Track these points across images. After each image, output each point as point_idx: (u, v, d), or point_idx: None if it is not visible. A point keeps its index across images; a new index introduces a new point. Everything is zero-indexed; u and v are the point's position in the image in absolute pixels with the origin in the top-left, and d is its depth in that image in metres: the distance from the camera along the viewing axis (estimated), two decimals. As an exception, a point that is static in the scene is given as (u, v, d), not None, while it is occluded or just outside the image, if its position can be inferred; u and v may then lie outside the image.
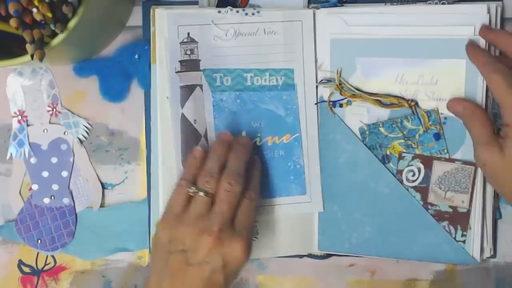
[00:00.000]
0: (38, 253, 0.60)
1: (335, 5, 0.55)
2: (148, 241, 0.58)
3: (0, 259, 0.60)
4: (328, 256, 0.58)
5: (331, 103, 0.55)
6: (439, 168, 0.51)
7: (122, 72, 0.57)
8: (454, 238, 0.53)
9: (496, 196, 0.56)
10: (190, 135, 0.55)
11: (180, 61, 0.54)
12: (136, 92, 0.58)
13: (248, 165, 0.51)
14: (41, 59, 0.44)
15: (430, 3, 0.55)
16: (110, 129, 0.59)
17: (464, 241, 0.53)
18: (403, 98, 0.54)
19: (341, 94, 0.55)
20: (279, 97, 0.56)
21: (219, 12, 0.54)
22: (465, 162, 0.51)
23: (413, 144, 0.53)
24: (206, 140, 0.55)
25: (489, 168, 0.49)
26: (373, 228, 0.56)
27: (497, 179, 0.50)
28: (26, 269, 0.60)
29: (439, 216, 0.53)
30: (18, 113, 0.58)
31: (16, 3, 0.42)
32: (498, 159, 0.48)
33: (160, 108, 0.55)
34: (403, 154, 0.50)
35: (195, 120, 0.55)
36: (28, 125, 0.58)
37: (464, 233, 0.53)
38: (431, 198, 0.53)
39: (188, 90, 0.55)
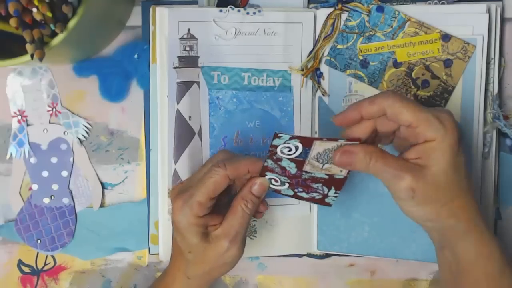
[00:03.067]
0: (38, 253, 0.60)
1: (335, 6, 0.55)
2: (147, 241, 0.58)
3: (0, 259, 0.60)
4: (327, 255, 0.58)
5: (312, 75, 0.56)
6: (319, 147, 0.44)
7: (122, 72, 0.57)
8: (327, 194, 0.48)
9: (496, 196, 0.56)
10: (184, 132, 0.55)
11: (179, 57, 0.54)
12: (136, 92, 0.58)
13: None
14: (41, 59, 0.44)
15: (430, 3, 0.55)
16: (110, 129, 0.59)
17: (336, 197, 0.48)
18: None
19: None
20: (275, 99, 0.56)
21: (221, 11, 0.54)
22: (349, 139, 0.44)
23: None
24: (199, 138, 0.55)
25: (420, 192, 0.43)
26: (372, 228, 0.56)
27: (431, 198, 0.43)
28: (26, 269, 0.60)
29: (313, 180, 0.47)
30: (18, 113, 0.58)
31: (16, 3, 0.42)
32: (427, 180, 0.42)
33: (160, 108, 0.55)
34: (280, 135, 0.43)
35: (190, 117, 0.55)
36: (28, 125, 0.58)
37: (337, 192, 0.48)
38: (306, 168, 0.46)
39: (184, 86, 0.55)
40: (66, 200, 0.59)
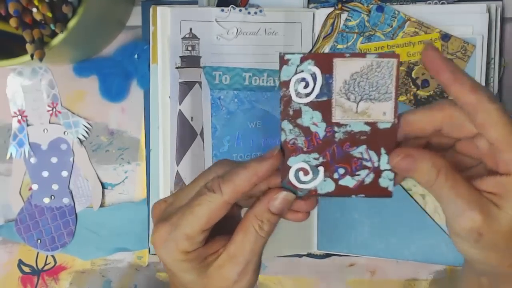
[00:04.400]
0: (38, 253, 0.60)
1: (334, 5, 0.55)
2: (147, 241, 0.58)
3: (0, 259, 0.60)
4: (327, 255, 0.58)
5: None
6: (343, 70, 0.33)
7: (122, 72, 0.57)
8: (378, 167, 0.35)
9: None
10: (186, 133, 0.55)
11: (181, 57, 0.54)
12: (136, 92, 0.58)
13: None
14: (41, 59, 0.44)
15: (430, 3, 0.55)
16: (110, 129, 0.59)
17: (391, 169, 0.35)
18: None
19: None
20: (275, 98, 0.56)
21: (222, 10, 0.54)
22: (382, 55, 0.33)
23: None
24: (201, 139, 0.55)
25: (488, 238, 0.33)
26: (372, 228, 0.56)
27: (499, 247, 0.34)
28: (26, 269, 0.60)
29: (351, 140, 0.35)
30: (18, 113, 0.58)
31: (16, 3, 0.42)
32: (501, 226, 0.33)
33: (162, 108, 0.55)
34: (287, 57, 0.33)
35: (192, 118, 0.55)
36: (28, 125, 0.58)
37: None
38: (337, 116, 0.34)
39: (187, 87, 0.55)
40: (66, 200, 0.59)
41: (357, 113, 0.34)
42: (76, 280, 0.60)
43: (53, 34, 0.45)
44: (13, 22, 0.43)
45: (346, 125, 0.34)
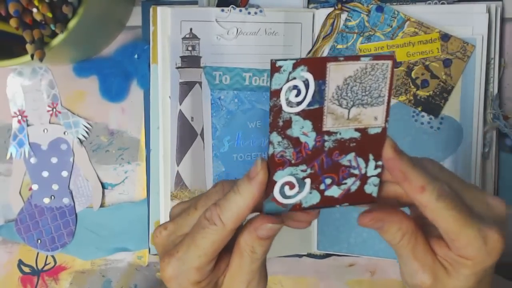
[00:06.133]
0: (38, 253, 0.60)
1: (334, 5, 0.55)
2: (147, 241, 0.58)
3: (0, 259, 0.60)
4: (327, 255, 0.58)
5: None
6: (337, 74, 0.31)
7: (122, 72, 0.57)
8: (365, 174, 0.34)
9: (496, 193, 0.56)
10: (187, 133, 0.55)
11: (181, 57, 0.54)
12: (136, 92, 0.58)
13: None
14: (41, 59, 0.44)
15: (430, 3, 0.55)
16: (110, 129, 0.59)
17: (378, 175, 0.34)
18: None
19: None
20: None
21: (222, 10, 0.54)
22: (376, 57, 0.31)
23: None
24: (202, 139, 0.55)
25: None
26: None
27: None
28: (26, 269, 0.60)
29: (340, 149, 0.33)
30: (18, 113, 0.58)
31: (16, 3, 0.42)
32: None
33: (162, 108, 0.55)
34: (279, 64, 0.30)
35: (192, 118, 0.55)
36: (28, 125, 0.58)
37: (379, 163, 0.34)
38: (327, 124, 0.32)
39: (187, 87, 0.55)
40: (66, 200, 0.59)
41: (348, 120, 0.33)
42: (76, 280, 0.60)
43: (53, 35, 0.45)
44: (13, 22, 0.43)
45: (336, 132, 0.33)
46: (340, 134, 0.33)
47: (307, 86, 0.31)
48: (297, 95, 0.31)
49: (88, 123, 0.58)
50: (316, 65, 0.31)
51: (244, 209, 0.34)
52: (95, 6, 0.47)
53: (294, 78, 0.31)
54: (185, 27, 0.54)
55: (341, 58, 0.31)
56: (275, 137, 0.32)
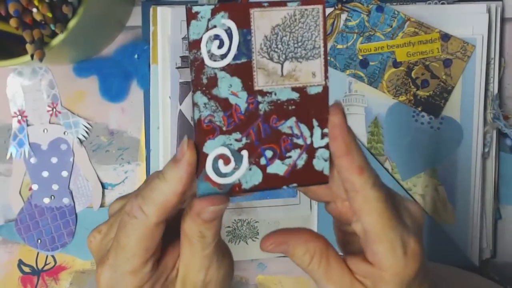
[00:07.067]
0: (38, 253, 0.60)
1: (334, 5, 0.55)
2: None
3: (0, 259, 0.60)
4: (328, 256, 0.58)
5: None
6: (263, 23, 0.28)
7: (122, 72, 0.57)
8: (311, 145, 0.30)
9: (496, 196, 0.56)
10: (187, 133, 0.55)
11: (181, 57, 0.54)
12: (136, 92, 0.58)
13: None
14: (41, 59, 0.44)
15: (430, 3, 0.55)
16: (110, 129, 0.59)
17: (326, 146, 0.30)
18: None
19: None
20: None
21: None
22: (305, 2, 0.28)
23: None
24: None
25: None
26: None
27: None
28: (26, 269, 0.60)
29: (278, 112, 0.29)
30: (18, 113, 0.58)
31: (16, 3, 0.42)
32: None
33: (162, 108, 0.55)
34: (196, 10, 0.27)
35: (192, 118, 0.55)
36: (28, 125, 0.58)
37: (325, 130, 0.30)
38: (259, 82, 0.29)
39: (187, 87, 0.55)
40: (66, 200, 0.59)
41: (282, 77, 0.29)
42: (76, 280, 0.60)
43: (53, 34, 0.45)
44: (13, 22, 0.43)
45: (271, 93, 0.29)
46: (275, 94, 0.29)
47: (230, 36, 0.28)
48: (220, 47, 0.28)
49: (88, 123, 0.58)
50: (238, 12, 0.28)
51: (171, 197, 0.29)
52: (95, 6, 0.47)
53: (215, 27, 0.27)
54: (185, 27, 0.54)
55: (266, 4, 0.28)
56: (200, 98, 0.28)
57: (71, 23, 0.45)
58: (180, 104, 0.55)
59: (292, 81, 0.29)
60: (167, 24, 0.54)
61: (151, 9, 0.55)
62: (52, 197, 0.59)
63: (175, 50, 0.54)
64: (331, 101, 0.30)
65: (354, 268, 0.32)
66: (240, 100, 0.29)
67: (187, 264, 0.31)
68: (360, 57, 0.55)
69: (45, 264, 0.60)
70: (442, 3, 0.54)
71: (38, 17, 0.43)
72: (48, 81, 0.58)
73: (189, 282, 0.32)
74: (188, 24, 0.27)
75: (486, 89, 0.54)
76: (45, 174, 0.58)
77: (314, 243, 0.32)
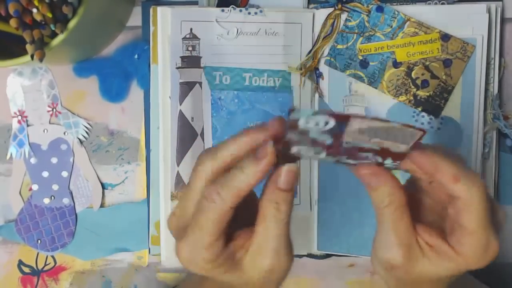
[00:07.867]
0: (38, 253, 0.60)
1: (334, 6, 0.55)
2: (147, 241, 0.58)
3: (0, 259, 0.60)
4: (327, 256, 0.58)
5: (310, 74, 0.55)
6: (360, 124, 0.31)
7: (122, 72, 0.57)
8: (382, 163, 0.35)
9: (496, 196, 0.56)
10: (187, 133, 0.55)
11: (181, 57, 0.54)
12: (136, 92, 0.58)
13: None
14: (41, 59, 0.44)
15: (430, 3, 0.55)
16: (110, 129, 0.59)
17: (396, 167, 0.36)
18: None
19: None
20: (275, 99, 0.56)
21: (222, 10, 0.54)
22: (407, 125, 0.31)
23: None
24: (202, 139, 0.55)
25: (399, 274, 0.37)
26: (372, 228, 0.56)
27: (405, 284, 0.38)
28: (26, 269, 0.60)
29: (359, 149, 0.33)
30: (18, 113, 0.58)
31: (16, 3, 0.42)
32: (416, 270, 0.36)
33: (162, 109, 0.55)
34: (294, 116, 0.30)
35: (192, 118, 0.55)
36: (28, 125, 0.58)
37: (396, 162, 0.35)
38: (347, 139, 0.32)
39: (187, 87, 0.55)
40: (66, 201, 0.59)
41: (370, 141, 0.32)
42: (76, 281, 0.60)
43: (53, 35, 0.45)
44: (13, 22, 0.43)
45: (357, 143, 0.32)
46: (359, 144, 0.32)
47: (326, 123, 0.30)
48: (316, 126, 0.31)
49: (88, 123, 0.58)
50: (339, 116, 0.30)
51: (245, 188, 0.34)
52: (95, 6, 0.47)
53: (314, 118, 0.30)
54: (185, 27, 0.54)
55: (368, 118, 0.30)
56: (292, 135, 0.31)
57: (71, 23, 0.45)
58: (180, 104, 0.55)
59: (377, 145, 0.32)
60: (167, 24, 0.54)
61: (151, 9, 0.55)
62: (52, 197, 0.59)
63: (175, 50, 0.54)
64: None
65: (425, 237, 0.35)
66: (327, 141, 0.32)
67: (260, 243, 0.36)
68: (360, 57, 0.55)
69: (45, 265, 0.60)
70: (442, 3, 0.54)
71: (38, 17, 0.43)
72: (48, 81, 0.58)
73: (257, 264, 0.36)
74: (289, 115, 0.30)
75: (486, 89, 0.54)
76: (45, 174, 0.58)
77: (400, 194, 0.34)
